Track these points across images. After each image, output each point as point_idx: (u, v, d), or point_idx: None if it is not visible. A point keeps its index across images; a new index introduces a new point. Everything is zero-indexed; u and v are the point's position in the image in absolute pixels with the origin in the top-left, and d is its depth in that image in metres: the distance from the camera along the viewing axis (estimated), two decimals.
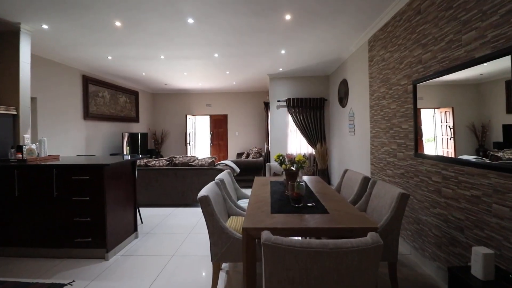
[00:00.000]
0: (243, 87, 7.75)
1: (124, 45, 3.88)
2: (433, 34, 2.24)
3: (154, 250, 2.88)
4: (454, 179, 2.01)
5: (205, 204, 1.85)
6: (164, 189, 4.54)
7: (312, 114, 6.01)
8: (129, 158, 3.21)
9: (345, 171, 2.93)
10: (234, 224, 2.11)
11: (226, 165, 4.89)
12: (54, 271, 2.47)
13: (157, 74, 5.89)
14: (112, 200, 2.78)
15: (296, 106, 6.02)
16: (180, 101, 8.64)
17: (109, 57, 4.54)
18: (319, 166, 5.11)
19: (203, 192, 1.91)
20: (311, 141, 6.05)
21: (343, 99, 4.86)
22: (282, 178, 2.86)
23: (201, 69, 5.37)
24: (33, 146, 3.10)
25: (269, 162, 6.43)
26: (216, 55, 4.38)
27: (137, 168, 4.47)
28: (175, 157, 4.75)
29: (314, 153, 5.98)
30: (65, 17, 2.97)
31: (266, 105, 7.35)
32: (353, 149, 4.37)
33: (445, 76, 2.10)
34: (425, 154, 2.35)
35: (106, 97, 6.26)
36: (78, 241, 2.69)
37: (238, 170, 5.09)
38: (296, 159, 2.24)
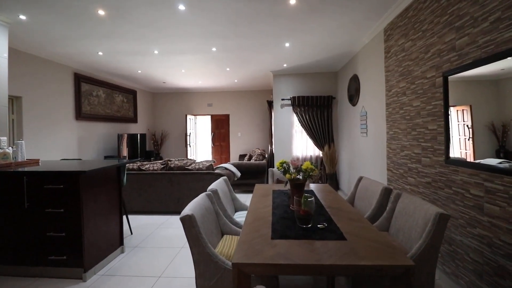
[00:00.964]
0: (245, 85, 7.37)
1: (113, 38, 3.53)
2: (472, 14, 1.82)
3: (139, 269, 2.52)
4: (504, 193, 1.59)
5: (188, 226, 1.47)
6: (158, 195, 4.19)
7: (319, 114, 5.59)
8: (116, 162, 2.86)
9: (360, 178, 2.52)
10: (228, 246, 1.73)
11: (226, 168, 4.51)
12: None
13: (153, 71, 5.55)
14: (91, 212, 2.43)
15: (301, 104, 5.61)
16: (180, 100, 8.30)
17: (100, 53, 4.21)
18: (327, 170, 4.70)
19: (187, 209, 1.53)
20: (318, 143, 5.63)
21: (353, 97, 4.44)
22: (287, 186, 2.47)
23: (199, 65, 5.01)
24: (8, 150, 2.77)
25: (273, 166, 6.04)
26: (214, 49, 4.00)
27: (128, 172, 4.15)
28: (170, 161, 4.39)
29: (321, 155, 5.57)
30: (43, 6, 2.64)
31: (270, 104, 6.95)
32: (366, 152, 3.95)
33: (479, 68, 1.71)
34: (461, 161, 1.93)
35: (101, 97, 5.94)
36: (52, 259, 2.34)
37: (238, 174, 4.70)
38: (303, 167, 1.85)
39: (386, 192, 2.05)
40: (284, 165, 1.94)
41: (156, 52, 4.13)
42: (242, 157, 7.55)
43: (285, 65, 5.06)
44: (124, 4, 2.60)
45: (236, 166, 5.30)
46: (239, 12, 2.81)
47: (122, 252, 2.90)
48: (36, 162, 3.02)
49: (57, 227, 2.33)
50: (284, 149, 5.82)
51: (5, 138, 2.94)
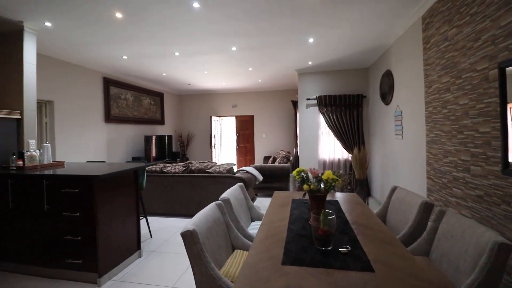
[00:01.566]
0: (269, 85, 7.16)
1: (133, 41, 3.55)
2: None
3: (153, 277, 2.45)
4: None
5: (190, 242, 1.32)
6: (179, 197, 4.16)
7: (348, 114, 5.20)
8: (133, 165, 2.84)
9: (394, 189, 2.20)
10: (237, 264, 1.55)
11: (247, 172, 4.36)
12: None
13: (177, 73, 5.59)
14: (106, 216, 2.41)
15: (328, 104, 5.27)
16: (205, 102, 8.35)
17: (124, 57, 4.29)
18: (356, 175, 4.32)
19: (190, 223, 1.38)
20: (347, 145, 5.25)
21: (386, 95, 4.03)
22: (306, 197, 2.23)
23: (220, 66, 4.92)
24: (35, 153, 2.88)
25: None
26: (234, 48, 3.86)
27: (150, 174, 4.18)
28: (191, 163, 4.35)
29: (350, 159, 5.18)
30: (64, 12, 2.69)
31: (294, 104, 6.68)
32: (401, 156, 3.54)
33: None
34: None
35: (129, 99, 6.14)
36: (69, 262, 2.36)
37: (261, 178, 4.52)
38: (324, 176, 1.61)
39: (426, 208, 1.72)
40: (302, 174, 1.72)
41: (177, 54, 4.11)
42: (266, 159, 7.37)
43: (310, 62, 4.77)
44: (138, 6, 2.56)
45: (259, 169, 5.12)
46: (256, 5, 2.62)
47: (140, 256, 2.87)
48: (61, 164, 3.11)
49: (73, 231, 2.34)
50: (309, 152, 5.51)
51: (34, 141, 3.07)
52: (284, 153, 6.27)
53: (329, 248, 1.30)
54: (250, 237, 1.91)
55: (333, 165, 5.52)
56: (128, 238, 2.74)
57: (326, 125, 5.38)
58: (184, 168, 4.27)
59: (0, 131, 2.78)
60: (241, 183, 2.47)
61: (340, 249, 1.29)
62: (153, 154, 6.58)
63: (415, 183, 3.04)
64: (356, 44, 3.84)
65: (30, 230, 2.45)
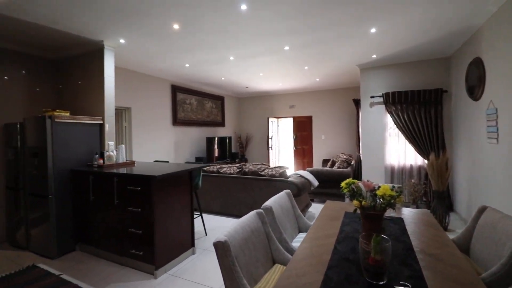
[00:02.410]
0: (328, 84, 6.73)
1: (192, 49, 3.77)
2: None
3: (202, 276, 2.52)
4: None
5: (221, 254, 1.26)
6: (233, 198, 4.24)
7: (422, 112, 4.45)
8: (189, 166, 2.99)
9: (482, 209, 1.71)
10: (273, 281, 1.42)
11: (302, 176, 4.15)
12: (108, 280, 2.45)
13: (234, 77, 5.74)
14: (163, 213, 2.59)
15: (397, 102, 4.61)
16: (262, 103, 8.41)
17: (187, 65, 4.61)
18: (433, 185, 3.61)
19: (223, 234, 1.32)
20: (422, 150, 4.50)
21: (474, 89, 3.27)
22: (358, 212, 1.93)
23: (275, 67, 4.82)
24: (112, 153, 3.32)
25: (360, 175, 5.24)
26: (286, 48, 3.71)
27: (207, 174, 4.38)
28: (245, 165, 4.38)
29: (426, 165, 4.42)
30: (132, 29, 3.02)
31: (357, 103, 6.10)
32: (496, 166, 2.81)
33: None
34: None
35: (193, 104, 6.62)
36: (133, 253, 2.62)
37: (316, 183, 4.25)
38: (379, 192, 1.34)
39: None
40: (353, 186, 1.47)
41: (231, 58, 4.20)
42: (325, 162, 6.95)
43: (374, 56, 4.26)
44: (190, 14, 2.66)
45: (315, 173, 4.85)
46: (305, 1, 2.43)
47: (193, 253, 3.00)
48: (132, 163, 3.51)
49: (136, 225, 2.58)
50: (374, 156, 4.94)
51: (112, 142, 3.54)
52: (344, 156, 5.79)
53: (382, 283, 1.06)
54: (293, 251, 1.75)
55: (404, 172, 4.81)
56: (183, 235, 2.89)
57: (395, 125, 4.72)
58: (238, 170, 4.34)
59: (87, 134, 3.29)
60: (288, 190, 2.32)
61: (396, 287, 1.03)
62: (216, 154, 6.94)
63: None
64: (432, 29, 3.22)
65: (104, 220, 2.83)
